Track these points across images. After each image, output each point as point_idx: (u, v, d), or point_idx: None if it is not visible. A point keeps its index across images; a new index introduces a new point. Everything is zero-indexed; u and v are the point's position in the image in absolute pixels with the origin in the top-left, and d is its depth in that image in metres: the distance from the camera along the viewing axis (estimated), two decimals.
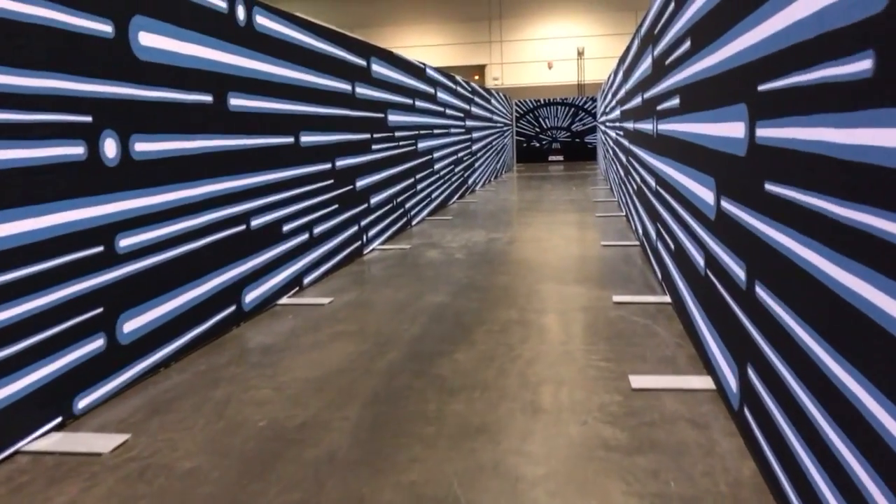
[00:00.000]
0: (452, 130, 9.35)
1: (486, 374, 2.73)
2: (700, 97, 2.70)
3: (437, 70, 8.42)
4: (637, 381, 2.58)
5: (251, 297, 3.66)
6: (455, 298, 3.98)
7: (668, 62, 3.63)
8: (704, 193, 2.63)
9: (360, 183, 5.42)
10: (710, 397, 2.41)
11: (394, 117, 6.36)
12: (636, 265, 4.76)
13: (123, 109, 2.66)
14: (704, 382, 2.54)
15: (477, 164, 11.57)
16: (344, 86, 5.05)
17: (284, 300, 4.02)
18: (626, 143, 7.04)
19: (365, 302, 3.98)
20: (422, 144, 7.49)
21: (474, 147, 11.28)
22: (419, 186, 7.39)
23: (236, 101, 3.51)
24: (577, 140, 19.42)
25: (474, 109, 11.34)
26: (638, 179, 5.59)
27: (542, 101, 19.52)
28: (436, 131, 8.23)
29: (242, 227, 3.57)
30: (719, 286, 2.36)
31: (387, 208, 6.16)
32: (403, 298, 4.03)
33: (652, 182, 4.50)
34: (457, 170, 9.72)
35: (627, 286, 4.13)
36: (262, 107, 3.78)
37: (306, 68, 4.38)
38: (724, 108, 2.26)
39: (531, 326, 3.36)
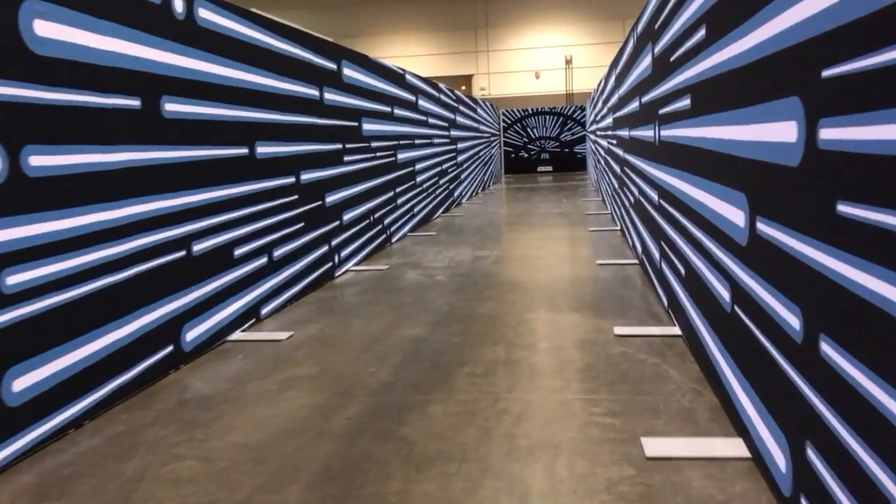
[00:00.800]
0: (436, 140, 8.87)
1: (465, 435, 2.22)
2: (721, 95, 2.22)
3: (419, 77, 7.94)
4: (652, 445, 2.08)
5: (193, 334, 3.13)
6: (434, 331, 3.47)
7: (673, 58, 3.15)
8: (730, 212, 2.15)
9: (331, 198, 4.91)
10: (746, 470, 1.91)
11: (370, 126, 5.86)
12: (636, 287, 4.27)
13: (12, 115, 2.15)
14: (735, 448, 2.04)
15: (463, 176, 11.09)
16: (310, 91, 4.55)
17: (237, 335, 3.50)
18: (620, 152, 6.58)
19: (329, 337, 3.46)
20: (402, 155, 6.99)
21: (460, 158, 10.80)
22: (399, 200, 6.89)
23: (173, 107, 3.00)
24: (567, 150, 19.00)
25: (459, 119, 10.88)
26: (635, 192, 5.12)
27: (530, 111, 19.11)
28: (417, 141, 7.74)
29: (182, 254, 3.05)
30: (756, 331, 1.87)
31: (362, 225, 5.66)
32: (374, 331, 3.51)
33: (653, 195, 4.02)
34: (441, 182, 9.23)
35: (629, 314, 3.64)
36: (207, 113, 3.27)
37: (264, 70, 3.88)
38: (761, 104, 1.77)
39: (520, 368, 2.86)
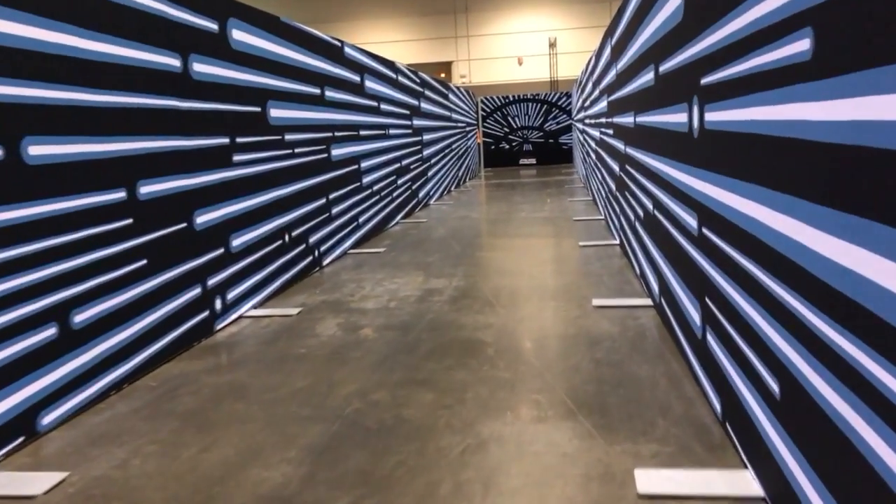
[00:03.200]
0: (392, 131, 7.32)
1: None
2: None
3: (365, 52, 6.39)
4: None
5: None
6: (311, 476, 1.96)
7: None
8: None
9: (206, 217, 3.37)
10: None
11: (282, 112, 4.32)
12: (659, 358, 2.78)
13: None
14: None
15: (431, 173, 9.55)
16: (161, 59, 3.01)
17: None
18: (619, 145, 5.08)
19: (121, 489, 1.93)
20: (339, 150, 5.45)
21: (426, 152, 9.26)
22: (335, 210, 5.35)
23: None
24: (551, 141, 17.49)
25: (425, 106, 9.32)
26: (647, 203, 3.62)
27: (512, 98, 17.56)
28: (363, 133, 6.20)
29: None
30: None
31: (269, 249, 4.12)
32: (207, 475, 1.99)
33: (689, 219, 2.53)
34: (400, 181, 7.69)
35: (656, 425, 2.14)
36: None
37: (41, 18, 2.33)
38: None
39: None
